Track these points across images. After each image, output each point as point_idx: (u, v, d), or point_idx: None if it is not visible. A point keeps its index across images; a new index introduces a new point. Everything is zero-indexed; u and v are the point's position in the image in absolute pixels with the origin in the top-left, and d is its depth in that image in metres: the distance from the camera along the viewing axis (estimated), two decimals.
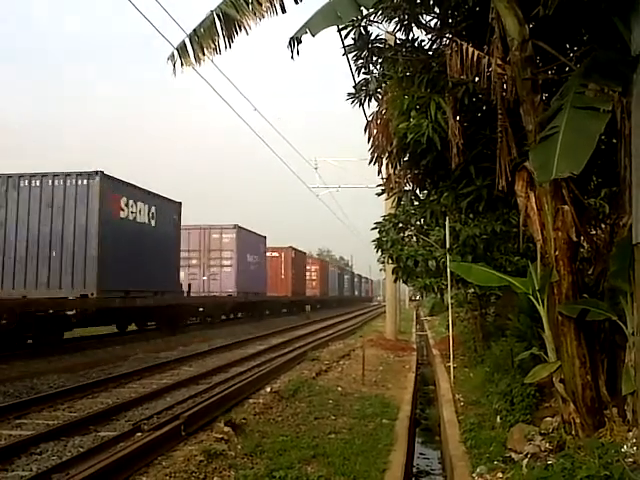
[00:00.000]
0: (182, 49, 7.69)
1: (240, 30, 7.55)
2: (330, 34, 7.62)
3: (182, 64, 7.67)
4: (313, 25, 6.24)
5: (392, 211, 13.82)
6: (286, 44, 6.47)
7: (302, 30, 6.24)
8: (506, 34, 6.34)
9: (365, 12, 7.75)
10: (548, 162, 5.16)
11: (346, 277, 78.56)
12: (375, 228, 14.54)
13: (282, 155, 38.48)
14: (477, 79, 6.64)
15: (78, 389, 11.36)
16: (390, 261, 14.77)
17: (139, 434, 7.82)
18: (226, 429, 7.92)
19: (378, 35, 8.73)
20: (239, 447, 7.38)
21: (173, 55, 7.75)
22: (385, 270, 23.89)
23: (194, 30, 7.65)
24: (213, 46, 7.58)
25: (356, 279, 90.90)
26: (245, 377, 12.65)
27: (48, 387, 11.85)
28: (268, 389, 11.52)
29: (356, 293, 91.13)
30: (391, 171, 8.82)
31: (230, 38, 7.57)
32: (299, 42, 6.43)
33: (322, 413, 9.66)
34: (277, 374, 13.79)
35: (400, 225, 13.69)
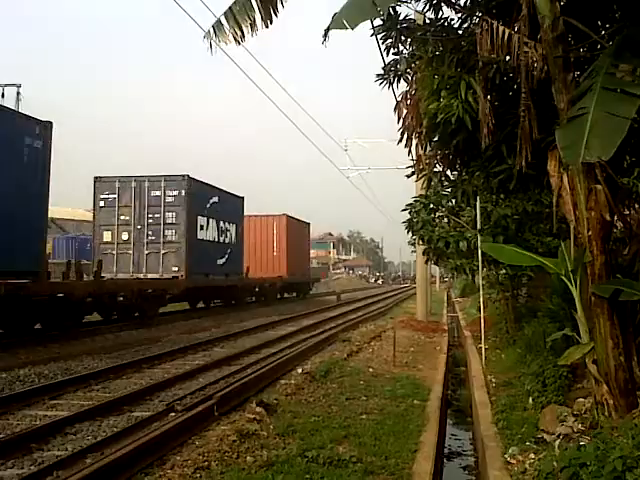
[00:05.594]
0: (218, 27, 7.71)
1: (277, 10, 7.57)
2: None
3: (219, 41, 7.71)
4: (349, 16, 6.18)
5: (423, 192, 13.74)
6: (322, 35, 6.51)
7: (338, 21, 6.19)
8: (537, 11, 6.24)
9: None
10: (576, 143, 5.11)
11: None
12: (406, 209, 14.47)
13: (312, 136, 37.95)
14: (508, 58, 6.56)
15: (112, 370, 11.56)
16: (421, 242, 14.72)
17: (172, 414, 7.98)
18: (258, 409, 8.00)
19: (407, 15, 8.65)
20: (271, 427, 7.47)
21: (209, 32, 7.77)
22: (416, 252, 23.80)
23: (229, 8, 7.66)
24: (250, 22, 7.59)
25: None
26: (276, 358, 12.77)
27: (82, 368, 12.04)
28: (299, 370, 11.61)
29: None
30: (421, 152, 8.76)
31: (269, 17, 7.58)
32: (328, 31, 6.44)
33: (353, 394, 9.71)
34: (308, 355, 13.90)
35: (431, 206, 13.62)
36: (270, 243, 37.25)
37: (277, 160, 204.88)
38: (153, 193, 23.46)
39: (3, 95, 37.19)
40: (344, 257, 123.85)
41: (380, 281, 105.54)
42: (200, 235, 24.95)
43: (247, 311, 27.71)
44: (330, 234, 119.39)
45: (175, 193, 23.40)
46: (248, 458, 6.35)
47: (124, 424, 7.79)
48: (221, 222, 27.43)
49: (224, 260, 27.80)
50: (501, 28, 6.17)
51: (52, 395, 9.45)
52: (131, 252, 23.41)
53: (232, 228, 29.21)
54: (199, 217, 24.81)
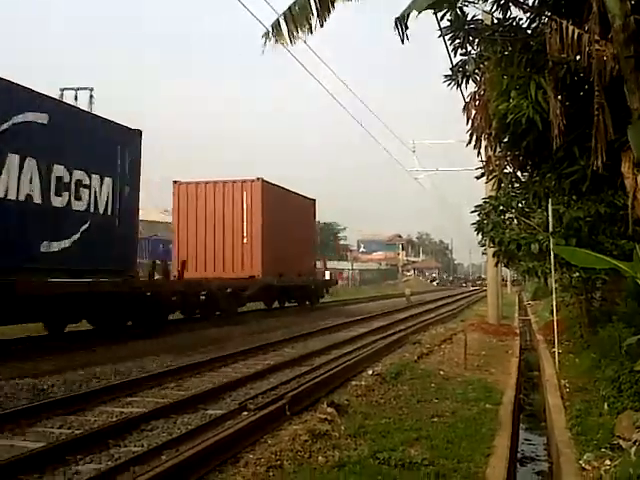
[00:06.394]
0: (276, 27, 7.88)
1: (334, 8, 7.67)
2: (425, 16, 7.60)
3: (276, 41, 7.87)
4: (418, 4, 6.29)
5: (492, 193, 13.60)
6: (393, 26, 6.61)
7: (408, 9, 6.30)
8: (607, 10, 6.14)
9: None
10: None
11: None
12: (475, 211, 14.35)
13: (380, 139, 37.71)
14: (578, 57, 6.47)
15: (185, 368, 11.83)
16: (491, 244, 14.56)
17: (245, 413, 8.10)
18: (329, 410, 8.08)
19: (475, 15, 8.61)
20: (342, 428, 7.52)
21: (268, 33, 7.95)
22: (486, 254, 23.49)
23: (288, 8, 7.82)
24: (307, 25, 7.73)
25: None
26: (347, 359, 12.84)
27: (157, 366, 12.36)
28: (370, 372, 11.66)
29: None
30: (491, 153, 8.71)
31: (324, 17, 7.70)
32: (406, 27, 6.53)
33: (424, 396, 9.70)
34: (379, 357, 13.90)
35: (501, 208, 13.46)
36: (237, 224, 24.75)
37: (339, 160, 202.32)
38: None
39: (76, 98, 37.93)
40: (413, 259, 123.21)
41: (435, 283, 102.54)
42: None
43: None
44: (399, 236, 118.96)
45: None
46: (320, 458, 6.42)
47: (198, 422, 7.92)
48: (58, 167, 14.59)
49: (69, 244, 14.88)
50: (570, 28, 6.10)
51: (128, 392, 9.73)
52: None
53: (101, 184, 15.99)
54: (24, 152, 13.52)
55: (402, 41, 6.72)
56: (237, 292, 22.80)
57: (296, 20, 7.72)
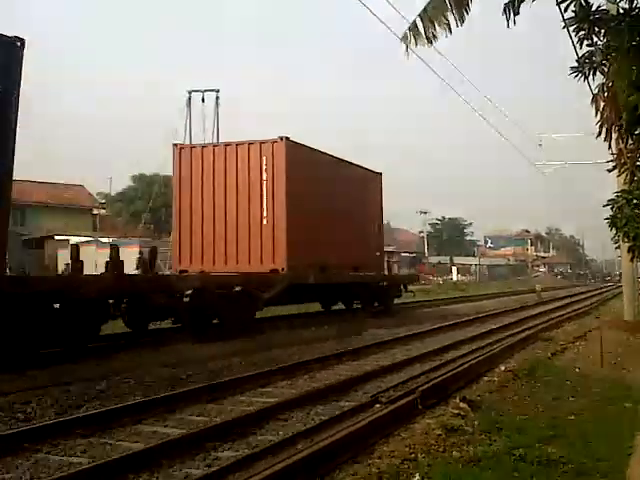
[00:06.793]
0: (414, 29, 8.07)
1: (468, 9, 7.75)
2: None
3: (416, 44, 8.06)
4: None
5: (625, 187, 13.13)
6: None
7: None
8: None
9: None
10: None
11: None
12: (607, 205, 13.88)
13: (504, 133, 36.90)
14: None
15: (316, 361, 12.13)
16: (625, 239, 14.04)
17: (377, 406, 8.19)
18: (462, 405, 8.13)
19: (600, 5, 8.44)
20: (476, 423, 7.53)
21: (406, 36, 8.15)
22: (620, 249, 22.57)
23: (424, 9, 7.99)
24: (446, 22, 7.85)
25: None
26: (477, 355, 12.79)
27: (287, 358, 12.65)
28: (502, 367, 11.60)
29: None
30: (622, 145, 8.51)
31: (461, 16, 7.79)
32: (516, 13, 6.59)
33: (560, 393, 9.55)
34: (511, 353, 13.75)
35: (635, 201, 12.96)
36: (254, 200, 18.74)
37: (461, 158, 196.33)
38: None
39: (203, 100, 37.59)
40: (542, 254, 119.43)
41: (559, 277, 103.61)
42: None
43: None
44: (527, 231, 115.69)
45: None
46: (454, 453, 6.45)
47: (331, 413, 8.05)
48: None
49: None
50: None
51: (262, 383, 10.11)
52: None
53: None
54: None
55: (507, 24, 6.79)
56: (251, 292, 16.70)
57: (433, 19, 7.87)
